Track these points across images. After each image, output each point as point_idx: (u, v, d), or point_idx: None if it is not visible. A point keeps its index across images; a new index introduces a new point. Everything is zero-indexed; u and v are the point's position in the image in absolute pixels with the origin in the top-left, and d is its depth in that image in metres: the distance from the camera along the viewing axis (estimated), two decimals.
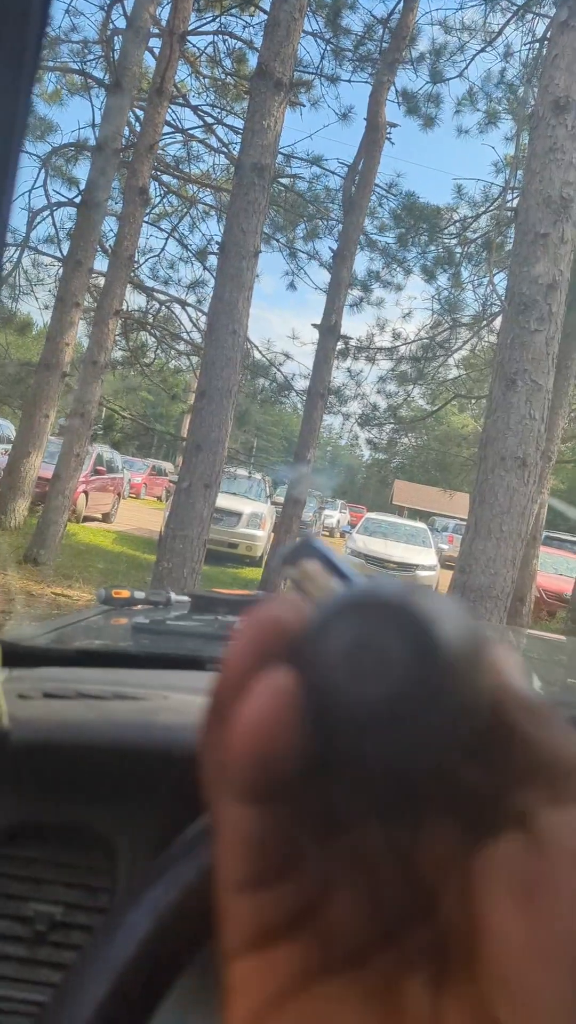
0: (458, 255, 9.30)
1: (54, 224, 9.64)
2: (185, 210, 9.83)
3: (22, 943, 0.64)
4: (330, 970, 0.23)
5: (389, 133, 8.06)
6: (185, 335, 9.47)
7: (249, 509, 9.42)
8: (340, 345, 8.21)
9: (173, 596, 1.64)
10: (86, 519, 10.32)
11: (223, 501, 7.39)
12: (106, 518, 11.12)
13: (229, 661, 0.23)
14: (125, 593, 1.72)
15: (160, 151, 8.66)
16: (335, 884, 0.23)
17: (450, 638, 0.21)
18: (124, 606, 1.61)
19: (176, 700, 0.76)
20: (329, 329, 7.47)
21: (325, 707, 0.21)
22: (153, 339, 9.66)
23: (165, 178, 9.68)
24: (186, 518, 4.93)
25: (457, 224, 9.31)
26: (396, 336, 9.78)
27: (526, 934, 0.20)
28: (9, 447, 8.37)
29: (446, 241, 9.41)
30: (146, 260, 9.77)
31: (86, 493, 10.05)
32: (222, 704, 0.23)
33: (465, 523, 3.86)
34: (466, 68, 8.51)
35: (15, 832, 0.66)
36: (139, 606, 1.61)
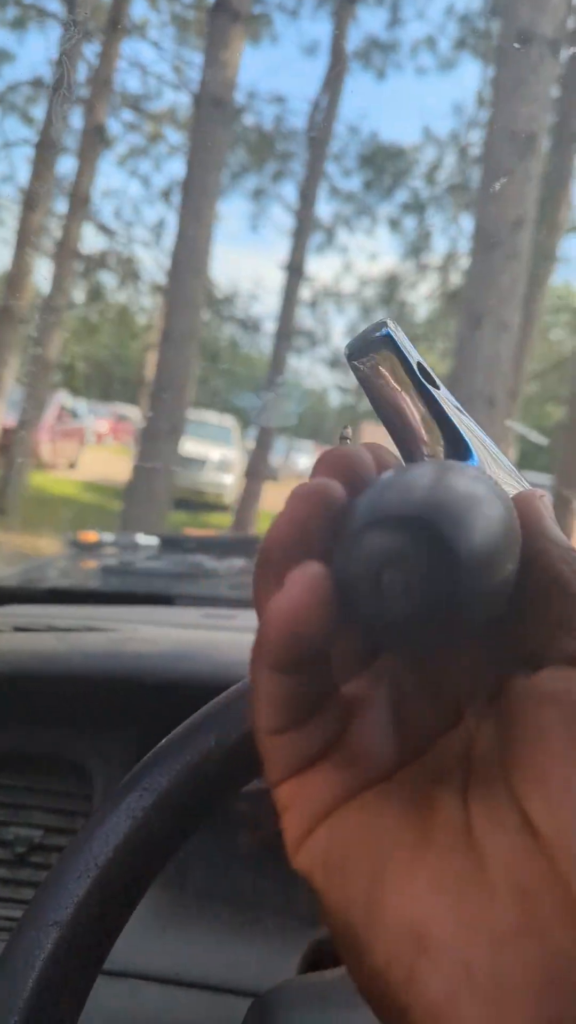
0: (424, 198, 9.16)
1: (10, 164, 9.33)
2: (147, 148, 9.55)
3: (2, 865, 0.66)
4: (365, 785, 0.25)
5: (350, 65, 7.86)
6: (148, 277, 9.29)
7: (217, 455, 9.36)
8: (307, 293, 8.11)
9: (141, 538, 1.64)
10: (50, 468, 10.21)
11: (190, 447, 7.34)
12: (71, 467, 11.00)
13: (270, 537, 0.24)
14: (93, 536, 1.72)
15: (121, 89, 8.37)
16: (362, 707, 0.25)
17: (480, 542, 0.21)
18: (92, 549, 1.61)
19: (146, 632, 0.78)
20: (294, 269, 7.36)
21: (351, 606, 0.22)
22: (114, 281, 9.46)
23: (127, 117, 9.37)
24: (152, 463, 4.90)
25: (424, 165, 9.15)
26: (363, 282, 9.68)
27: (567, 740, 0.22)
28: None
29: (412, 185, 9.26)
30: (107, 201, 9.51)
31: (50, 441, 9.92)
32: (263, 579, 0.24)
33: None
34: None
35: None
36: (107, 549, 1.61)
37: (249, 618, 0.91)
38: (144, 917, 0.65)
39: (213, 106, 4.88)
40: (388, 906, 0.23)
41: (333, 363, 9.96)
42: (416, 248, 9.19)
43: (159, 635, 0.76)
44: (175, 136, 9.61)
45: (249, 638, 0.43)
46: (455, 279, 9.15)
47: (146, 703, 0.61)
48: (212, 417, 10.24)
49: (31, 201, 6.95)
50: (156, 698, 0.52)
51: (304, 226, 7.52)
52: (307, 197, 7.54)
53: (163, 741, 0.44)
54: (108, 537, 1.73)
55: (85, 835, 0.41)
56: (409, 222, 9.15)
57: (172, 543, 1.48)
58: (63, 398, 10.69)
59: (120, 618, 0.84)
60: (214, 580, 1.18)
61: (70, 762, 0.68)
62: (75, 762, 0.68)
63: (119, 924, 0.40)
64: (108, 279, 9.43)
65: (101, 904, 0.39)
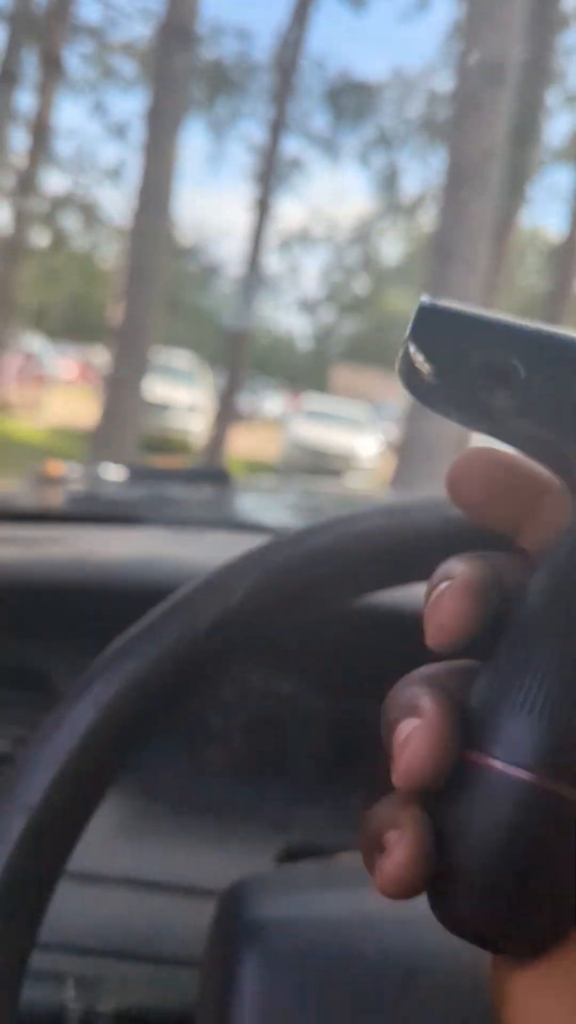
0: (392, 135, 9.00)
1: None
2: (105, 81, 9.24)
3: None
4: None
5: None
6: (110, 221, 9.08)
7: (185, 398, 9.25)
8: (275, 239, 7.98)
9: (108, 470, 1.62)
10: (15, 412, 10.04)
11: (157, 391, 7.24)
12: (35, 411, 10.84)
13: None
14: (58, 469, 1.69)
15: (79, 21, 8.04)
16: None
17: None
18: (57, 482, 1.59)
19: (113, 545, 0.76)
20: (261, 207, 7.23)
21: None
22: (77, 223, 9.24)
23: (86, 49, 9.03)
24: (118, 408, 4.85)
25: (392, 103, 8.96)
26: (333, 227, 9.55)
27: None
28: None
29: (382, 123, 9.07)
30: (67, 141, 9.23)
31: (16, 386, 9.75)
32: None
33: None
34: None
35: None
36: (73, 482, 1.58)
37: (221, 537, 0.90)
38: (114, 824, 0.65)
39: (174, 35, 4.72)
40: None
41: (301, 308, 9.88)
42: (386, 185, 9.06)
43: (127, 547, 0.75)
44: (134, 69, 9.31)
45: (222, 552, 0.42)
46: (426, 223, 9.06)
47: (113, 612, 0.60)
48: (180, 360, 10.10)
49: None
50: (123, 607, 0.52)
51: (271, 161, 7.36)
52: (274, 133, 7.36)
53: (131, 628, 0.43)
54: (74, 469, 1.70)
55: (52, 723, 0.40)
56: (378, 159, 8.99)
57: (140, 474, 1.46)
58: (28, 342, 10.50)
59: (85, 535, 0.82)
60: (183, 507, 1.17)
61: (35, 673, 0.67)
62: (40, 673, 0.67)
63: (87, 812, 0.39)
64: (71, 224, 9.21)
65: (70, 790, 0.38)
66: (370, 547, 0.42)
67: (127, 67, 9.28)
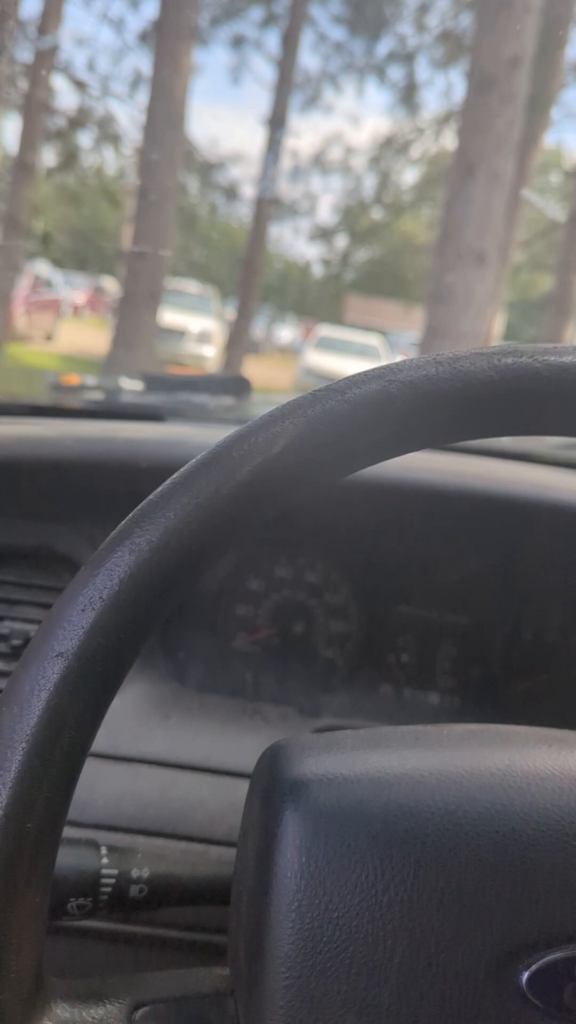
0: (413, 46, 8.62)
1: None
2: None
3: (0, 658, 0.65)
4: None
5: None
6: (126, 138, 8.82)
7: (197, 326, 9.13)
8: (290, 162, 7.74)
9: (125, 380, 1.59)
10: (26, 340, 9.95)
11: (169, 318, 7.15)
12: (47, 339, 10.73)
13: None
14: (75, 379, 1.66)
15: None
16: None
17: None
18: (74, 391, 1.56)
19: (137, 433, 0.74)
20: (277, 123, 6.99)
21: None
22: (89, 141, 8.98)
23: None
24: (132, 332, 4.78)
25: (412, 11, 8.57)
26: (348, 151, 9.26)
27: None
28: None
29: (401, 33, 8.69)
30: (78, 52, 8.91)
31: (25, 313, 9.64)
32: None
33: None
34: None
35: None
36: (90, 392, 1.56)
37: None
38: (145, 707, 0.64)
39: None
40: None
41: (315, 235, 9.65)
42: (406, 99, 8.74)
43: (152, 429, 0.73)
44: None
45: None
46: (447, 143, 8.76)
47: (141, 491, 0.58)
48: (192, 287, 9.94)
49: None
50: (153, 486, 0.50)
51: (287, 75, 7.10)
52: (290, 44, 7.08)
53: (167, 481, 0.41)
54: (91, 380, 1.67)
55: (88, 570, 0.38)
56: (396, 72, 8.65)
57: (158, 381, 1.43)
58: (38, 268, 10.32)
59: (109, 428, 0.80)
60: (205, 410, 1.14)
61: (62, 556, 0.66)
62: (67, 556, 0.66)
63: (125, 661, 0.38)
64: (84, 141, 8.94)
65: (106, 637, 0.37)
66: (418, 395, 0.39)
67: None
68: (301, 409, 0.39)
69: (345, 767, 0.41)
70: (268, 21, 8.73)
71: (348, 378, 0.40)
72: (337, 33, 8.89)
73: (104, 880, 0.49)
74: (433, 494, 0.67)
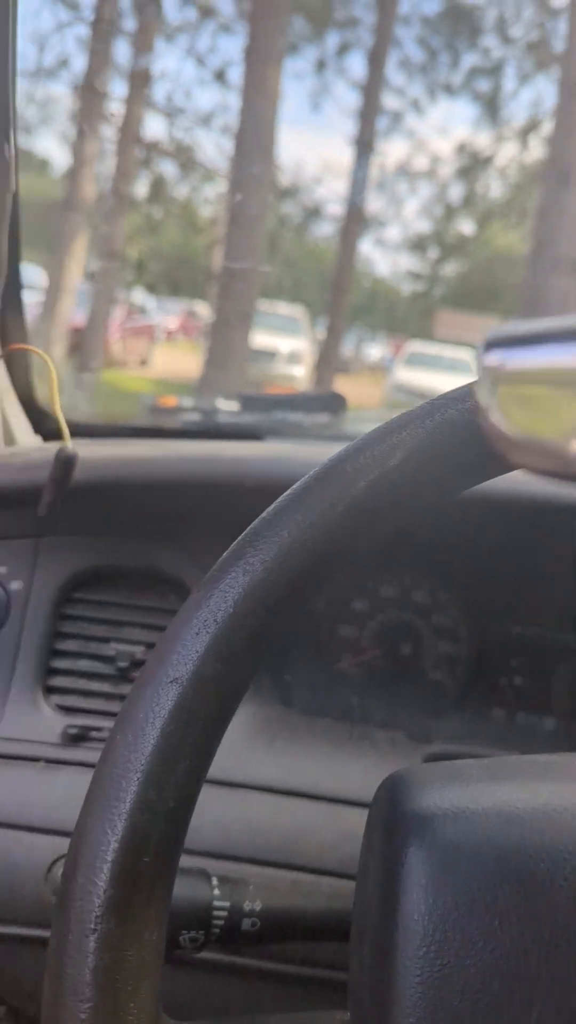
0: (499, 58, 8.52)
1: (63, 49, 9.00)
2: (202, 22, 9.08)
3: (106, 680, 0.65)
4: None
5: None
6: (210, 165, 9.00)
7: (287, 346, 9.20)
8: (375, 174, 7.75)
9: (222, 402, 1.60)
10: (121, 366, 10.22)
11: (259, 339, 7.22)
12: (142, 364, 11.00)
13: None
14: (172, 401, 1.68)
15: None
16: None
17: None
18: (171, 413, 1.58)
19: (238, 452, 0.74)
20: (362, 143, 7.02)
21: None
22: (176, 169, 9.18)
23: None
24: (224, 354, 4.84)
25: (498, 24, 8.47)
26: (435, 160, 9.21)
27: None
28: (41, 296, 8.21)
29: (486, 44, 8.59)
30: (162, 82, 9.14)
31: (121, 339, 9.91)
32: None
33: None
34: None
35: (90, 577, 0.66)
36: (187, 414, 1.57)
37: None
38: (251, 730, 0.63)
39: None
40: None
41: (403, 248, 9.61)
42: (492, 110, 8.64)
43: (254, 447, 0.72)
44: (230, 8, 9.09)
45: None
46: (536, 154, 8.62)
47: (246, 509, 0.57)
48: (281, 308, 10.03)
49: (89, 84, 6.74)
50: (259, 504, 0.49)
51: (373, 97, 7.12)
52: (376, 64, 7.10)
53: (280, 498, 0.40)
54: (187, 401, 1.69)
55: (201, 593, 0.37)
56: (482, 85, 8.55)
57: (253, 401, 1.43)
58: (133, 295, 10.61)
59: (210, 448, 0.80)
60: (302, 428, 1.13)
61: (168, 577, 0.65)
62: (173, 576, 0.65)
63: (240, 685, 0.37)
64: (169, 170, 9.16)
65: (221, 662, 0.36)
66: None
67: (226, 5, 9.09)
68: (419, 420, 0.37)
69: (471, 800, 0.38)
70: (347, 47, 8.79)
71: (466, 385, 0.38)
72: (420, 54, 8.87)
73: (216, 912, 0.47)
74: (547, 507, 0.64)
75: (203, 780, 0.35)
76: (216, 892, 0.48)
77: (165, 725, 0.33)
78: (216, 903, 0.47)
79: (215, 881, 0.48)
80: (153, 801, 0.32)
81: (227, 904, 0.48)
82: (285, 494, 0.38)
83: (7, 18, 0.36)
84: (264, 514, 0.39)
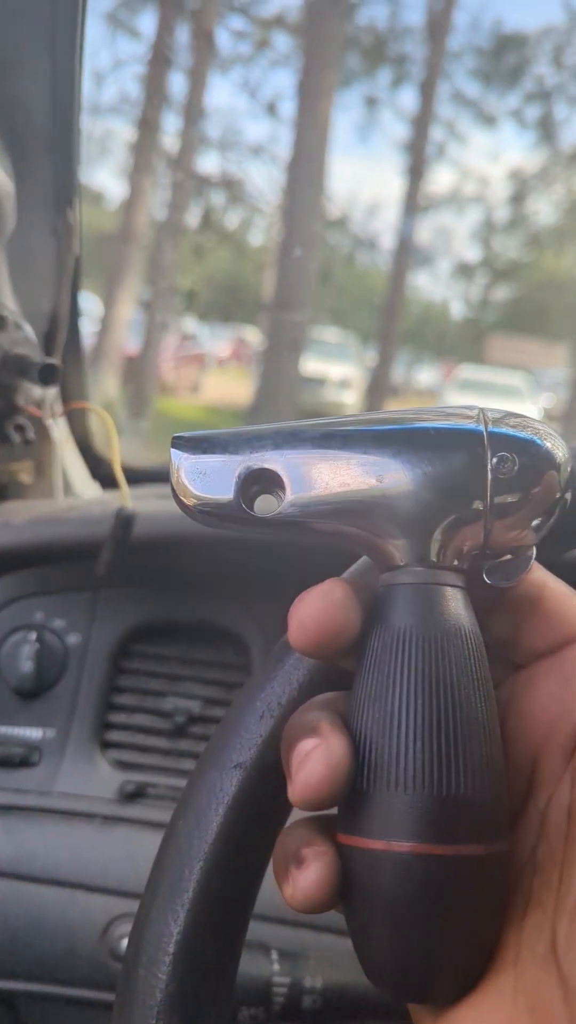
0: (552, 87, 8.49)
1: (121, 85, 9.23)
2: (256, 56, 9.23)
3: (163, 735, 0.64)
4: None
5: None
6: (259, 195, 9.11)
7: (337, 373, 9.21)
8: (424, 202, 7.77)
9: None
10: (174, 393, 10.35)
11: (310, 366, 7.24)
12: (194, 391, 11.12)
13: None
14: None
15: None
16: None
17: None
18: None
19: None
20: (414, 173, 7.05)
21: None
22: (227, 201, 9.31)
23: (237, 24, 9.04)
24: (274, 382, 4.87)
25: (550, 52, 8.45)
26: (485, 183, 9.20)
27: None
28: (96, 325, 8.37)
29: (538, 73, 8.57)
30: (216, 116, 9.31)
31: (173, 367, 10.05)
32: None
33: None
34: None
35: (147, 630, 0.66)
36: None
37: None
38: None
39: (328, 2, 4.66)
40: None
41: (455, 274, 9.60)
42: (544, 138, 8.60)
43: None
44: (287, 42, 9.23)
45: None
46: None
47: (305, 564, 0.57)
48: (331, 335, 10.06)
49: (146, 120, 6.90)
50: (315, 559, 0.48)
51: (424, 128, 7.15)
52: (427, 96, 7.14)
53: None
54: (225, 430, 1.70)
55: (265, 674, 0.36)
56: (534, 111, 8.53)
57: None
58: (184, 323, 10.76)
59: None
60: None
61: (226, 631, 0.65)
62: (231, 631, 0.65)
63: None
64: (218, 200, 9.30)
65: (275, 750, 0.35)
66: None
67: (280, 40, 9.23)
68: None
69: None
70: (400, 80, 8.84)
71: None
72: (473, 88, 8.89)
73: (276, 989, 0.46)
74: None
75: (266, 867, 0.34)
76: (276, 967, 0.47)
77: (228, 812, 0.32)
78: (276, 979, 0.46)
79: (275, 955, 0.47)
80: (216, 890, 0.31)
81: (288, 980, 0.46)
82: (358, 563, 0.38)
83: (72, 89, 0.37)
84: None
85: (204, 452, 0.28)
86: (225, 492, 0.28)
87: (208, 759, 0.36)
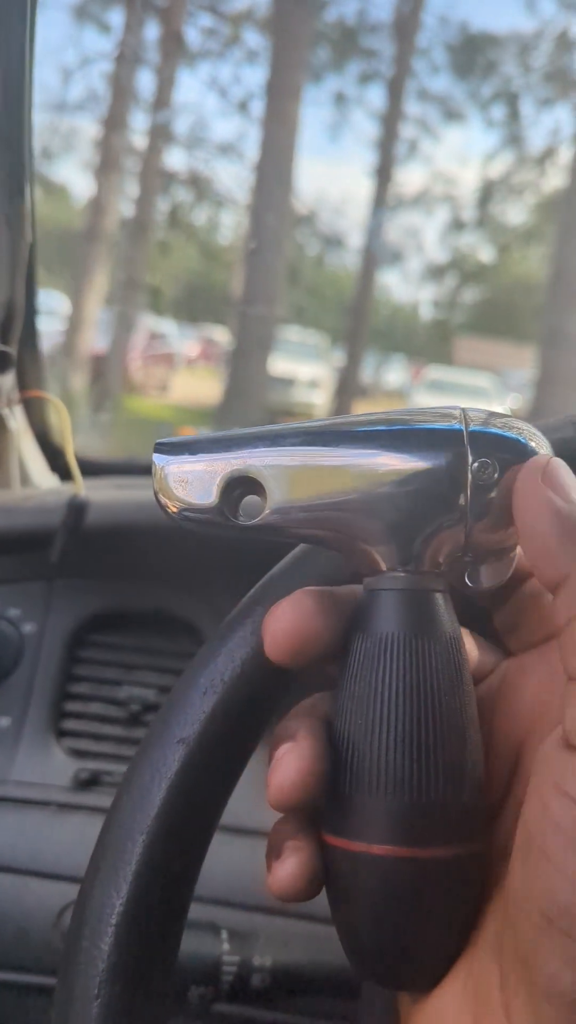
0: (519, 88, 8.57)
1: (88, 83, 9.15)
2: (223, 52, 9.20)
3: (118, 724, 0.65)
4: None
5: None
6: (227, 194, 9.08)
7: (306, 373, 9.21)
8: (393, 203, 7.80)
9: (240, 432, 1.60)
10: (142, 392, 10.29)
11: (278, 366, 7.24)
12: (162, 390, 11.06)
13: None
14: (190, 431, 1.68)
15: None
16: None
17: None
18: None
19: None
20: (381, 173, 7.08)
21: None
22: (194, 198, 9.26)
23: (205, 22, 9.00)
24: (243, 382, 4.86)
25: (518, 53, 8.53)
26: (453, 185, 9.27)
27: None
28: (63, 323, 8.30)
29: (506, 73, 8.64)
30: (184, 113, 9.28)
31: (141, 366, 9.99)
32: None
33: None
34: None
35: (102, 620, 0.66)
36: None
37: None
38: (262, 777, 0.62)
39: None
40: None
41: (423, 276, 9.65)
42: (511, 139, 8.67)
43: None
44: (253, 39, 9.21)
45: None
46: (555, 182, 8.64)
47: (260, 555, 0.57)
48: (300, 335, 10.06)
49: (113, 117, 6.85)
50: (270, 546, 0.49)
51: (392, 127, 7.19)
52: (395, 94, 7.18)
53: (294, 551, 0.39)
54: (207, 433, 1.69)
55: (208, 651, 0.37)
56: (501, 112, 8.58)
57: None
58: (152, 322, 10.70)
59: None
60: None
61: (181, 620, 0.65)
62: (186, 620, 0.65)
63: (248, 746, 0.36)
64: (186, 197, 9.25)
65: (228, 721, 0.35)
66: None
67: (250, 37, 9.20)
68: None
69: None
70: (368, 77, 8.87)
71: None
72: (439, 83, 8.94)
73: (226, 968, 0.47)
74: None
75: (210, 840, 0.34)
76: (225, 947, 0.47)
77: (171, 786, 0.33)
78: (225, 958, 0.47)
79: (224, 935, 0.48)
80: (160, 863, 0.32)
81: (237, 959, 0.47)
82: (300, 546, 0.38)
83: (23, 78, 0.37)
84: (275, 569, 0.38)
85: (186, 458, 0.29)
86: (207, 498, 0.29)
87: (152, 736, 0.36)
